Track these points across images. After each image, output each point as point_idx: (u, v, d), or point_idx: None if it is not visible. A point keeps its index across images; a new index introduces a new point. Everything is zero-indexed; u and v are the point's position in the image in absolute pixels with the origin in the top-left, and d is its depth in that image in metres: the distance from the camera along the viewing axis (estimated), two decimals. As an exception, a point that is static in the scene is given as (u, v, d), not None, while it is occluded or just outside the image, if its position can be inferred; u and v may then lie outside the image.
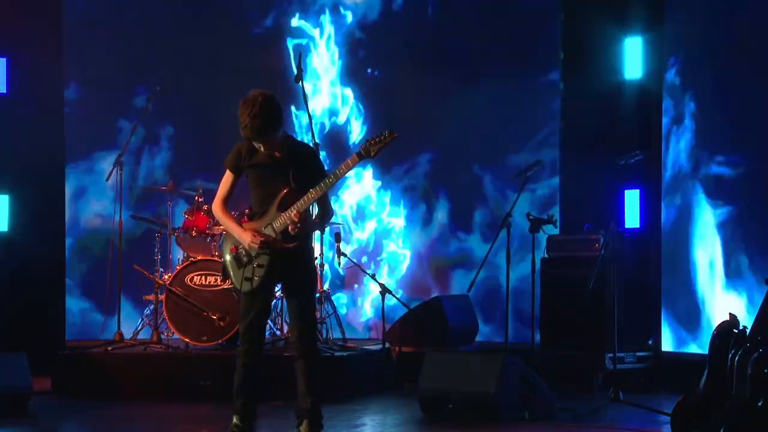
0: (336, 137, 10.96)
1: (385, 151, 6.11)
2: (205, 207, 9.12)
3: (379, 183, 10.91)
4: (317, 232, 9.31)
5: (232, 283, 6.40)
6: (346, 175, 6.29)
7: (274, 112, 6.08)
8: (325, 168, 6.38)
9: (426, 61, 10.65)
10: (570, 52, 10.03)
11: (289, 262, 6.22)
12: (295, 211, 6.09)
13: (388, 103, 10.73)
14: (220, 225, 8.93)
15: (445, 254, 10.73)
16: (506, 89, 10.30)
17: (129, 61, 10.64)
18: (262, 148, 6.15)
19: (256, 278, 6.19)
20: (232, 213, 6.65)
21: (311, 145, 8.39)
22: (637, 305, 9.09)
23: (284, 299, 8.15)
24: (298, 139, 6.98)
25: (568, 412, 7.41)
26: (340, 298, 10.79)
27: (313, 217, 6.31)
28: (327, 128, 10.97)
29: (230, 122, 10.19)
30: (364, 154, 6.13)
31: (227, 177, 6.34)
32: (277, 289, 7.33)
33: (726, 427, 5.56)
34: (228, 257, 6.30)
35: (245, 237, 6.19)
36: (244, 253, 6.22)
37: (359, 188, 10.97)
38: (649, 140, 9.33)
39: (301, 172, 6.20)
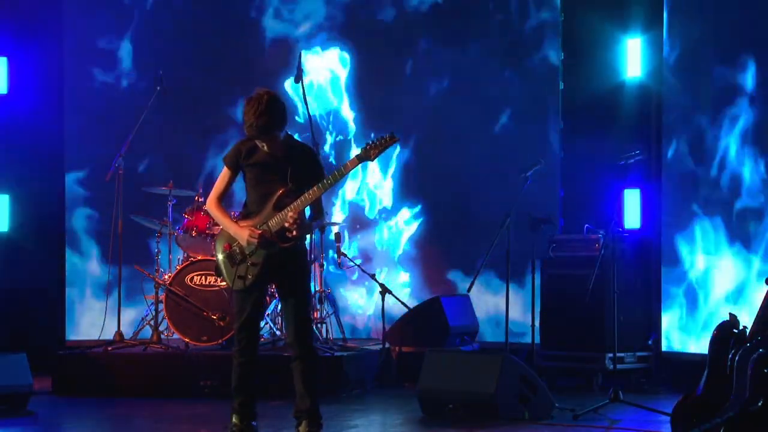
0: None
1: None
2: (206, 207, 9.10)
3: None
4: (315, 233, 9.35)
5: (224, 281, 6.40)
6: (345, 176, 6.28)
7: (280, 110, 6.09)
8: (324, 168, 6.37)
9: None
10: (570, 52, 10.03)
11: (283, 262, 6.22)
12: (291, 212, 6.09)
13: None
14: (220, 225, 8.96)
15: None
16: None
17: (135, 62, 10.65)
18: (265, 147, 6.14)
19: (249, 277, 6.18)
20: (232, 213, 6.64)
21: (311, 145, 8.39)
22: (637, 305, 9.09)
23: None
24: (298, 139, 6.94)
25: (568, 412, 7.41)
26: (340, 298, 10.78)
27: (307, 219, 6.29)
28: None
29: (230, 122, 10.36)
30: (364, 157, 6.13)
31: (224, 174, 6.33)
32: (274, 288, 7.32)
33: (726, 427, 5.56)
34: (221, 256, 6.29)
35: (242, 233, 6.16)
36: (237, 251, 6.20)
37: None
38: (649, 140, 9.33)
39: (299, 172, 6.19)
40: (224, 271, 6.29)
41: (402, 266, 10.70)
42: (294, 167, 6.18)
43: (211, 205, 6.37)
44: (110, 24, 10.68)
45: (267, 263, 6.17)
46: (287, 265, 6.23)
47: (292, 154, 6.23)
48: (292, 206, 6.10)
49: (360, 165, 6.22)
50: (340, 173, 6.13)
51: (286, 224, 6.09)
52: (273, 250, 6.15)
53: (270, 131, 6.08)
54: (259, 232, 6.13)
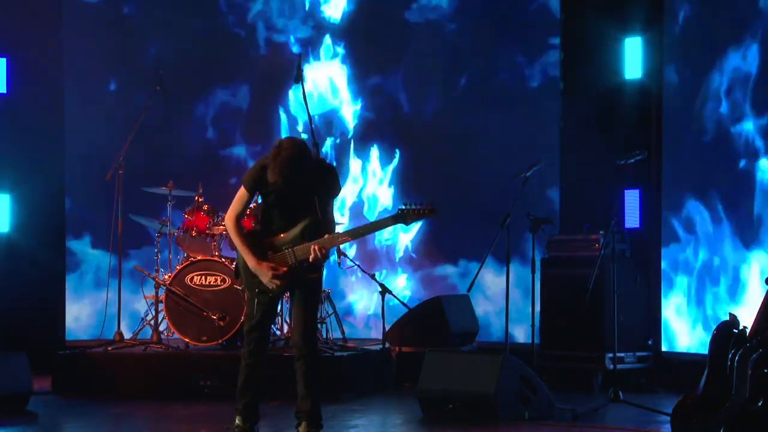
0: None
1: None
2: (205, 207, 9.12)
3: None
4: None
5: (242, 284, 6.38)
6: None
7: (305, 167, 6.05)
8: (340, 184, 6.37)
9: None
10: (570, 52, 10.03)
11: (304, 279, 6.24)
12: (318, 247, 6.07)
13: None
14: (221, 225, 8.96)
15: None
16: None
17: (128, 61, 10.65)
18: (287, 190, 6.12)
19: (270, 295, 6.23)
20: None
21: (312, 148, 8.39)
22: (637, 305, 9.09)
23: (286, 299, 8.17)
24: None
25: (568, 412, 7.41)
26: (340, 298, 10.78)
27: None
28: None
29: (230, 121, 10.35)
30: (400, 220, 6.14)
31: (242, 195, 6.27)
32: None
33: (726, 427, 5.56)
34: (242, 262, 6.29)
35: (264, 273, 6.15)
36: None
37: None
38: (649, 140, 9.33)
39: (324, 199, 6.19)
40: (244, 278, 6.29)
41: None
42: (321, 198, 6.17)
43: (230, 225, 6.30)
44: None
45: (290, 280, 6.21)
46: (307, 281, 6.26)
47: (317, 184, 6.18)
48: (321, 243, 6.09)
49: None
50: (372, 228, 6.33)
51: (311, 256, 6.09)
52: (298, 278, 6.19)
53: (294, 185, 6.05)
54: (279, 283, 6.13)
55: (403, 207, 6.14)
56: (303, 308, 6.24)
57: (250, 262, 6.20)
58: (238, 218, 6.30)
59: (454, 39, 10.67)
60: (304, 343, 6.23)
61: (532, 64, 10.36)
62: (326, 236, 6.13)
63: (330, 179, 6.27)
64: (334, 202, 6.43)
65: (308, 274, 6.22)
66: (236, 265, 6.40)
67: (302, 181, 6.06)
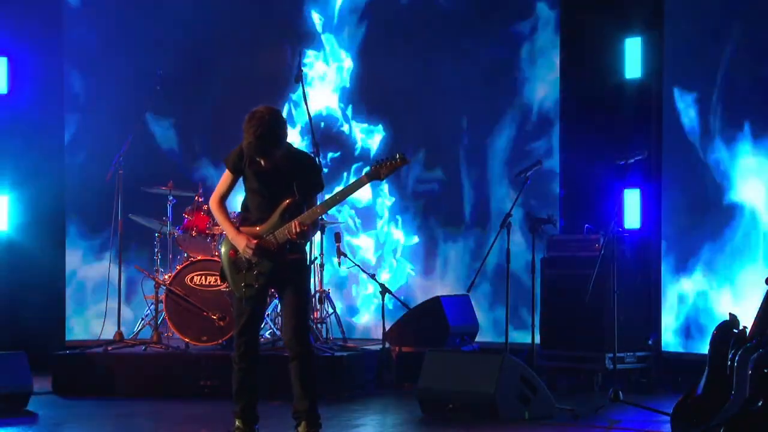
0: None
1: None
2: (205, 207, 9.12)
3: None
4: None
5: (228, 286, 6.38)
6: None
7: (279, 131, 6.04)
8: (323, 180, 6.37)
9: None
10: (570, 52, 10.03)
11: (289, 271, 6.22)
12: (298, 222, 6.07)
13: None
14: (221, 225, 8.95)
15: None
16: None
17: (129, 61, 10.65)
18: (262, 162, 6.11)
19: (255, 286, 6.18)
20: (231, 213, 6.63)
21: (312, 147, 8.41)
22: (637, 305, 9.09)
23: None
24: (297, 143, 6.94)
25: (568, 412, 7.41)
26: (340, 298, 10.79)
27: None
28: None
29: (230, 121, 10.37)
30: (374, 176, 6.11)
31: (226, 176, 6.29)
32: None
33: (726, 427, 5.56)
34: (226, 261, 6.28)
35: (239, 241, 6.14)
36: (243, 259, 6.19)
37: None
38: (649, 140, 9.33)
39: (303, 183, 6.17)
40: (229, 277, 6.27)
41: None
42: (299, 179, 6.16)
43: (213, 205, 6.34)
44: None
45: (273, 272, 6.18)
46: (292, 274, 6.24)
47: (296, 165, 6.19)
48: (299, 218, 6.08)
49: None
50: (349, 190, 6.16)
51: (289, 234, 6.08)
52: (279, 261, 6.16)
53: (268, 152, 6.04)
54: (256, 242, 6.11)
55: (376, 163, 6.11)
56: (293, 308, 6.21)
57: (230, 232, 6.19)
58: (222, 199, 6.30)
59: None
60: (297, 343, 6.20)
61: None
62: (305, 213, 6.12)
63: (311, 167, 6.27)
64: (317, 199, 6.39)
65: (288, 255, 6.18)
66: (221, 267, 6.38)
67: (278, 150, 6.04)
